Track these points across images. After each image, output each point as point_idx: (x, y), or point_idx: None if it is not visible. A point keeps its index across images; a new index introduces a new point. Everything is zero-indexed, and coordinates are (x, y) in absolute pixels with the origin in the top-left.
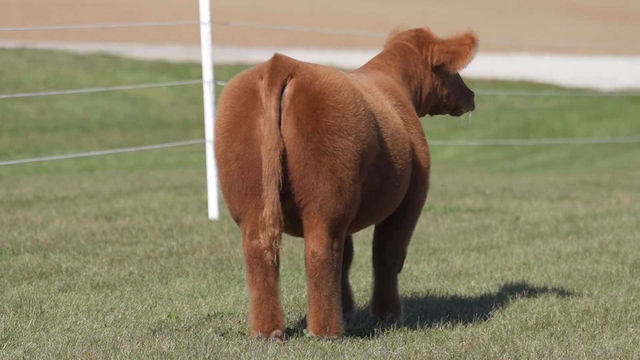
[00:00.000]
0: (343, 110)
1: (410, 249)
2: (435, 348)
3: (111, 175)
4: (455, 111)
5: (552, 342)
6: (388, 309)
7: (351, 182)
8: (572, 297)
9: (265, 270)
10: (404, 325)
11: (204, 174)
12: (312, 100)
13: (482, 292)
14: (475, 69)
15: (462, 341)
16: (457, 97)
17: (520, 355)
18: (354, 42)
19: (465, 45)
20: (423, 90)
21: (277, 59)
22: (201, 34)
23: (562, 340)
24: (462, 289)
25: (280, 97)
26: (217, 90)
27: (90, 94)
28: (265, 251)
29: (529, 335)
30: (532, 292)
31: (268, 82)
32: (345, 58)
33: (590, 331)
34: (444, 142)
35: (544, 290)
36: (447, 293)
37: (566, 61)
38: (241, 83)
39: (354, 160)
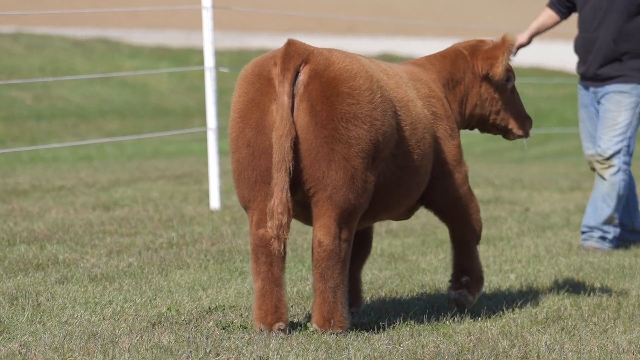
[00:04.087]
0: (358, 97)
1: (417, 240)
2: (443, 342)
3: (109, 164)
4: (506, 133)
5: (563, 336)
6: (466, 274)
7: (364, 170)
8: (583, 291)
9: (270, 260)
10: (411, 319)
11: (205, 163)
12: (326, 86)
13: (491, 285)
14: None
15: (470, 335)
16: (509, 119)
17: (530, 350)
18: (357, 27)
19: (499, 50)
20: (469, 99)
21: (290, 44)
22: (202, 19)
23: (574, 335)
24: None
25: (293, 84)
26: (219, 77)
27: (88, 81)
28: (272, 240)
29: (539, 330)
30: (542, 285)
31: (281, 68)
32: (349, 44)
33: (602, 325)
34: None
35: (555, 283)
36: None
37: None
38: (255, 69)
39: (367, 149)
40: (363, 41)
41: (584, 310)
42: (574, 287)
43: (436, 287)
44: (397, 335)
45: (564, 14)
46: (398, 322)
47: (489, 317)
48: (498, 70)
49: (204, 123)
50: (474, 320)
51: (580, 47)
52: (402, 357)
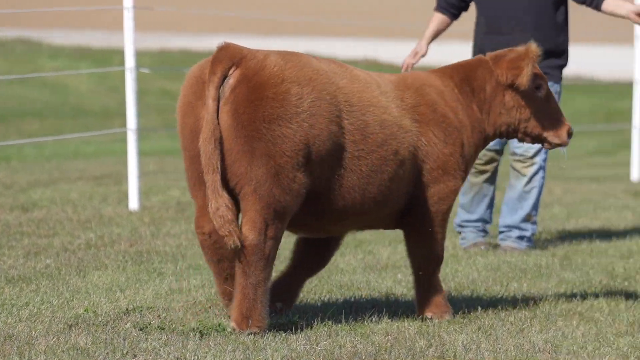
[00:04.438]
0: (283, 102)
1: None
2: (360, 342)
3: (28, 165)
4: (541, 142)
5: (480, 336)
6: (429, 311)
7: (291, 170)
8: (500, 290)
9: (217, 258)
10: (329, 320)
11: (124, 164)
12: (252, 91)
13: (410, 285)
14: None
15: (388, 335)
16: (543, 127)
17: (447, 350)
18: (281, 27)
19: (523, 61)
20: (492, 107)
21: (222, 48)
22: (123, 19)
23: (490, 334)
24: (388, 282)
25: (219, 87)
26: (140, 78)
27: (7, 82)
28: (225, 239)
29: (456, 329)
30: (460, 284)
31: (209, 72)
32: (272, 44)
33: (518, 325)
34: None
35: (472, 283)
36: (373, 286)
37: None
38: (195, 71)
39: (294, 149)
40: (287, 41)
41: (501, 309)
42: (491, 287)
43: (355, 288)
44: (315, 336)
45: (455, 15)
46: (316, 323)
47: (407, 317)
48: (523, 81)
49: (124, 124)
50: (392, 320)
51: (492, 49)
52: (320, 357)
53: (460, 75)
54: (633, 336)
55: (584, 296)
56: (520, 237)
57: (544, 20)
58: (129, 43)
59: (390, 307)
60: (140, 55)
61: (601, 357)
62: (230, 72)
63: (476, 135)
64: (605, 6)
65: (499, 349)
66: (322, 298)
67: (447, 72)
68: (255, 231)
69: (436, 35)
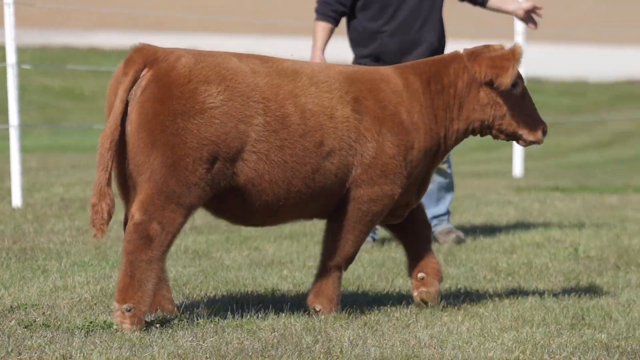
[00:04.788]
0: (188, 99)
1: (221, 237)
2: (247, 339)
3: None
4: (516, 139)
5: (366, 331)
6: (319, 302)
7: (190, 162)
8: (386, 286)
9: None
10: (215, 316)
11: (7, 161)
12: (160, 90)
13: (295, 281)
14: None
15: (275, 331)
16: (518, 124)
17: (333, 346)
18: (166, 23)
19: (508, 61)
20: (464, 103)
21: (136, 50)
22: (4, 15)
23: (376, 330)
24: (274, 278)
25: (129, 89)
26: (21, 74)
27: None
28: (93, 231)
29: (342, 325)
30: (345, 280)
31: (122, 73)
32: (156, 40)
33: (404, 320)
34: None
35: (358, 278)
36: (259, 282)
37: None
38: (116, 72)
39: (197, 143)
40: (171, 37)
41: (387, 305)
42: (377, 283)
43: (240, 284)
44: (201, 332)
45: (337, 21)
46: (202, 319)
47: (293, 313)
48: (506, 81)
49: (5, 120)
50: (278, 317)
51: (396, 49)
52: (206, 354)
53: (432, 71)
54: (517, 331)
55: (468, 292)
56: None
57: (438, 19)
58: (9, 39)
59: (276, 304)
60: (21, 52)
61: (486, 352)
62: (143, 73)
63: (429, 140)
64: (491, 3)
65: (385, 344)
66: (208, 294)
67: (417, 68)
68: (141, 211)
69: (326, 44)
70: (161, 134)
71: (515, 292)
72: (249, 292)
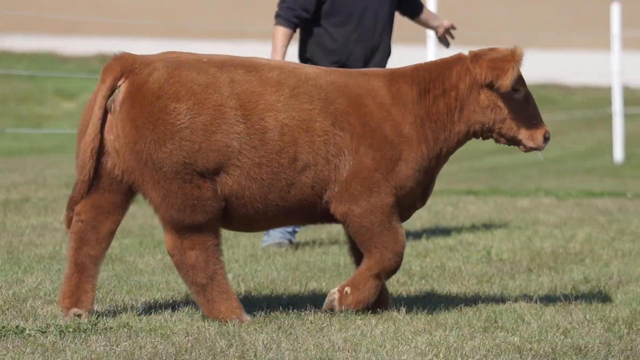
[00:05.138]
0: (157, 122)
1: (134, 241)
2: (161, 343)
3: None
4: (517, 144)
5: (280, 335)
6: (348, 287)
7: (178, 189)
8: (300, 289)
9: (77, 246)
10: (128, 321)
11: None
12: (134, 108)
13: None
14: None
15: (188, 336)
16: (518, 129)
17: (247, 350)
18: (75, 28)
19: (508, 63)
20: (465, 104)
21: (115, 58)
22: None
23: (290, 334)
24: None
25: (107, 96)
26: None
27: None
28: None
29: (256, 329)
30: (259, 284)
31: (100, 80)
32: (67, 44)
33: (318, 324)
34: None
35: (272, 282)
36: (172, 287)
37: None
38: (99, 76)
39: (174, 168)
40: (79, 41)
41: (301, 309)
42: (291, 287)
43: (154, 288)
44: (115, 337)
45: (297, 27)
46: (115, 324)
47: (207, 318)
48: (505, 83)
49: None
50: (192, 321)
51: (362, 55)
52: (120, 358)
53: (432, 76)
54: (431, 334)
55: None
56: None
57: (391, 25)
58: None
59: (190, 308)
60: None
61: (400, 355)
62: (120, 82)
63: (425, 147)
64: (421, 17)
65: (299, 348)
66: (121, 299)
67: (415, 75)
68: (171, 249)
69: (286, 49)
70: (145, 167)
71: (429, 296)
72: (163, 297)
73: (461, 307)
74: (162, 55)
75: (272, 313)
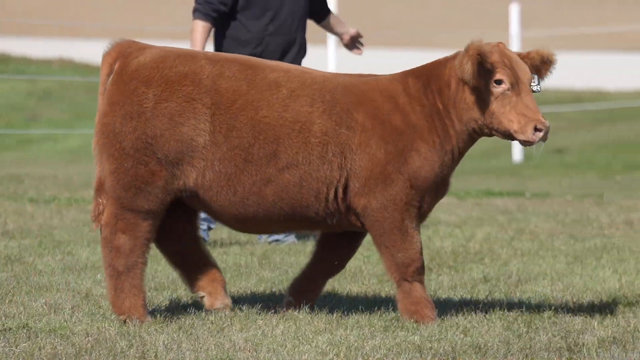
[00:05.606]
0: (126, 100)
1: (34, 242)
2: (60, 344)
3: None
4: (508, 137)
5: (181, 335)
6: (407, 318)
7: (131, 167)
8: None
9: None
10: (27, 321)
11: None
12: (112, 88)
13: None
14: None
15: (89, 336)
16: (507, 122)
17: (148, 350)
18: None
19: (463, 57)
20: (456, 102)
21: (114, 44)
22: None
23: (191, 334)
24: (88, 283)
25: (105, 82)
26: None
27: None
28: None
29: (157, 330)
30: (160, 284)
31: (101, 64)
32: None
33: (219, 324)
34: (68, 131)
35: (173, 282)
36: (72, 287)
37: None
38: None
39: (133, 145)
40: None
41: (201, 309)
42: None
43: (54, 289)
44: (14, 338)
45: (216, 21)
46: (14, 325)
47: (107, 318)
48: (463, 78)
49: None
50: (92, 321)
51: (279, 49)
52: (19, 359)
53: (433, 73)
54: (331, 333)
55: (282, 295)
56: (209, 229)
57: (305, 21)
58: None
59: (90, 308)
60: None
61: (300, 354)
62: (115, 67)
63: (437, 136)
64: (326, 21)
65: (200, 348)
66: (20, 300)
67: (418, 71)
68: (104, 225)
69: (206, 43)
70: (106, 138)
71: (330, 295)
72: (63, 297)
73: (362, 307)
74: (173, 48)
75: (172, 313)
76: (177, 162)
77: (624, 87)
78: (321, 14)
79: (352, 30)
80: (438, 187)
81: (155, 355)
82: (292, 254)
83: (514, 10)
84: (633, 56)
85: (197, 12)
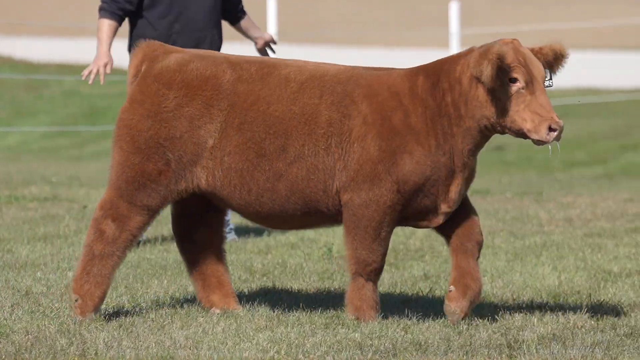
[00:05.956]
0: (146, 100)
1: None
2: (0, 342)
3: None
4: (522, 136)
5: (121, 333)
6: (349, 310)
7: (139, 162)
8: (141, 287)
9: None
10: None
11: None
12: (136, 88)
13: (49, 283)
14: (44, 53)
15: (28, 334)
16: (521, 121)
17: (88, 348)
18: None
19: (485, 58)
20: (468, 99)
21: (140, 46)
22: None
23: (131, 332)
24: (28, 280)
25: (132, 82)
26: None
27: None
28: None
29: (97, 327)
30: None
31: (128, 65)
32: None
33: (159, 321)
34: (7, 128)
35: (125, 279)
36: (12, 285)
37: None
38: None
39: (146, 143)
40: None
41: (142, 307)
42: (132, 284)
43: None
44: None
45: (122, 19)
46: None
47: (47, 316)
48: (482, 79)
49: None
50: (32, 319)
51: (184, 46)
52: None
53: (443, 70)
54: (272, 331)
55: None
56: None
57: (219, 16)
58: None
59: (30, 306)
60: None
61: (241, 352)
62: (142, 69)
63: (435, 141)
64: (241, 23)
65: (140, 345)
66: None
67: (430, 68)
68: (98, 207)
69: (112, 42)
70: (121, 130)
71: (270, 293)
72: (2, 295)
73: (302, 304)
74: (197, 51)
75: (113, 311)
76: (190, 164)
77: (561, 85)
78: (235, 15)
79: (266, 35)
80: (446, 191)
81: (96, 353)
82: (233, 251)
83: (454, 8)
84: (573, 54)
85: (103, 11)
